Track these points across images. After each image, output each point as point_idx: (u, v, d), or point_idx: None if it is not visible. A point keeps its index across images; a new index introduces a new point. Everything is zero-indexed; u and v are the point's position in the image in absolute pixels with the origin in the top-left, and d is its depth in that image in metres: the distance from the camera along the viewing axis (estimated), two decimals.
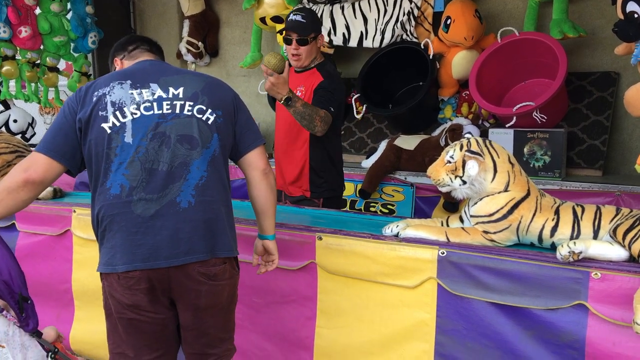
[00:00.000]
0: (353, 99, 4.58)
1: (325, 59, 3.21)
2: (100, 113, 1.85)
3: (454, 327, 2.12)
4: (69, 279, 3.15)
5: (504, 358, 2.02)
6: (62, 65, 5.69)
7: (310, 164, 3.17)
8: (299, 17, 3.01)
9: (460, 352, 2.11)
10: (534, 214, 2.09)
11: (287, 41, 3.06)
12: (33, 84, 5.45)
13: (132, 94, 1.88)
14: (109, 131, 1.84)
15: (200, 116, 1.91)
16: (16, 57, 5.22)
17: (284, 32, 3.07)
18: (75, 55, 5.56)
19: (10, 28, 4.96)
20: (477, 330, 2.07)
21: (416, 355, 2.20)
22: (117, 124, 1.84)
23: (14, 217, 3.34)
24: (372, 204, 4.32)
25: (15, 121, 5.70)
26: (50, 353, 2.20)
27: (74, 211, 3.11)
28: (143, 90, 1.89)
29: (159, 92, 1.90)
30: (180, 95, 1.91)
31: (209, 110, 1.93)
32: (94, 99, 1.87)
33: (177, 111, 1.89)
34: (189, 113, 1.90)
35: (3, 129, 5.57)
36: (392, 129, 4.72)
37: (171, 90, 1.91)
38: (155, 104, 1.88)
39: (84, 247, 3.08)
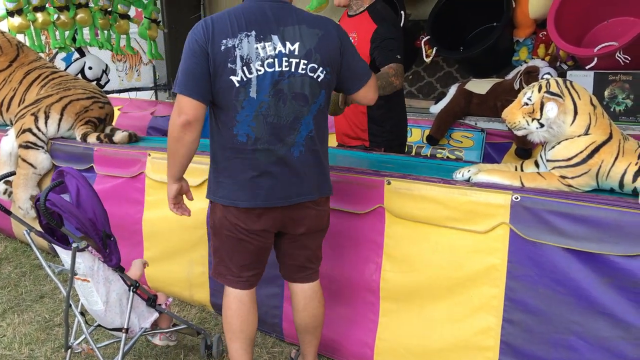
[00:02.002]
0: (422, 42, 4.45)
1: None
2: (229, 65, 1.99)
3: (526, 272, 2.08)
4: (140, 220, 3.29)
5: (577, 304, 1.98)
6: (132, 12, 5.79)
7: (368, 114, 3.12)
8: None
9: (531, 297, 2.07)
10: (615, 158, 2.00)
11: None
12: (106, 32, 5.58)
13: (257, 48, 2.01)
14: (237, 85, 2.01)
15: (312, 75, 2.07)
16: (89, 5, 5.34)
17: None
18: (145, 1, 5.64)
19: None
20: (550, 277, 2.03)
21: (485, 300, 2.18)
22: (245, 79, 2.01)
23: (93, 159, 3.49)
24: (439, 150, 4.24)
25: (90, 68, 5.87)
26: (132, 287, 2.33)
27: (149, 155, 3.21)
28: (266, 44, 2.02)
29: (279, 47, 2.02)
30: (296, 53, 2.04)
31: (320, 69, 2.08)
32: (222, 47, 1.99)
33: (293, 69, 2.04)
34: (303, 72, 2.05)
35: (79, 75, 5.76)
36: (463, 72, 4.58)
37: (288, 45, 2.04)
38: (276, 60, 2.02)
39: (156, 190, 3.20)
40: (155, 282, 3.27)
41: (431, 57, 4.41)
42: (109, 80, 6.06)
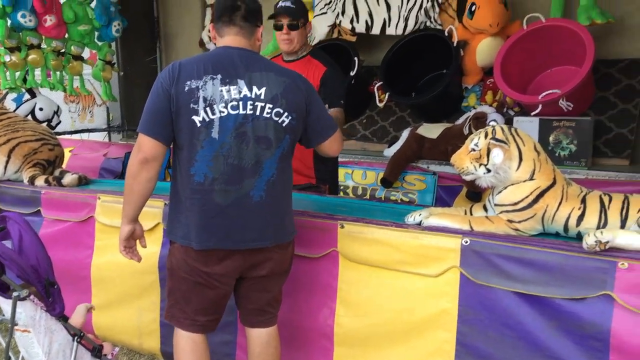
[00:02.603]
0: (375, 87, 4.55)
1: (313, 46, 3.28)
2: (192, 106, 2.02)
3: (476, 316, 2.10)
4: (89, 265, 3.19)
5: (526, 348, 2.00)
6: (86, 53, 5.75)
7: (314, 152, 3.19)
8: (288, 3, 3.10)
9: (481, 341, 2.09)
10: (559, 203, 2.06)
11: (278, 27, 3.12)
12: (58, 73, 5.51)
13: (221, 91, 2.04)
14: (198, 125, 2.03)
15: (277, 119, 2.09)
16: (41, 46, 5.28)
17: (274, 19, 3.13)
18: (100, 43, 5.62)
19: (36, 17, 5.02)
20: (500, 320, 2.05)
21: (438, 345, 2.19)
22: (207, 119, 2.03)
23: (40, 203, 3.39)
24: (392, 193, 4.30)
25: (41, 109, 5.75)
26: (76, 337, 2.24)
27: (99, 198, 3.15)
28: (231, 88, 2.05)
29: (245, 91, 2.06)
30: (262, 97, 2.07)
31: (285, 114, 2.10)
32: (186, 88, 2.02)
33: (258, 113, 2.07)
34: (268, 116, 2.08)
35: (29, 117, 5.64)
36: (414, 117, 4.68)
37: (255, 89, 2.07)
38: (240, 103, 2.05)
39: (107, 234, 3.12)
40: (103, 330, 3.16)
41: (384, 102, 4.51)
42: (60, 122, 5.95)
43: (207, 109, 2.02)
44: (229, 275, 2.15)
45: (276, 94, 2.09)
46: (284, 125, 2.11)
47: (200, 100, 2.02)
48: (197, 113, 2.02)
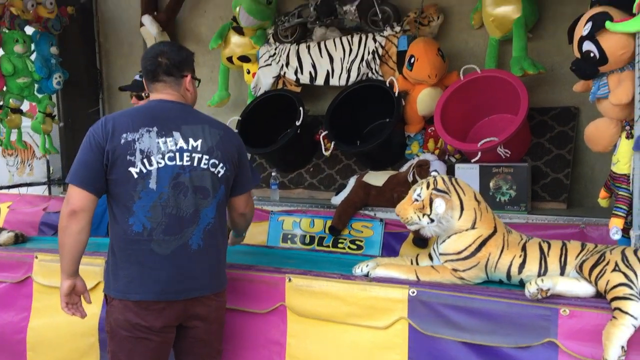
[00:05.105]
0: (321, 136, 4.60)
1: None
2: (128, 157, 2.07)
3: None
4: (25, 328, 3.04)
5: None
6: (25, 106, 5.60)
7: None
8: (137, 77, 3.32)
9: None
10: (501, 251, 2.11)
11: (139, 97, 3.31)
12: None
13: (158, 142, 2.09)
14: (135, 176, 2.07)
15: (213, 170, 2.17)
16: None
17: (132, 95, 3.37)
18: (40, 96, 5.49)
19: None
20: None
21: None
22: (144, 170, 2.07)
23: None
24: (340, 240, 4.30)
25: None
26: None
27: (36, 257, 3.04)
28: (167, 140, 2.11)
29: (181, 143, 2.13)
30: (198, 149, 2.15)
31: (220, 164, 2.19)
32: (122, 141, 2.07)
33: (195, 164, 2.13)
34: (205, 167, 2.15)
35: None
36: (360, 165, 4.74)
37: (191, 142, 2.14)
38: (177, 154, 2.11)
39: (45, 295, 3.00)
40: None
41: (330, 151, 4.55)
42: None
43: (145, 160, 2.07)
44: (170, 325, 2.15)
45: (211, 146, 2.17)
46: (219, 175, 2.18)
47: (137, 152, 2.07)
48: (134, 165, 2.07)
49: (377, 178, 4.22)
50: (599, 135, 2.46)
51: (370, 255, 3.40)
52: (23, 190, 6.06)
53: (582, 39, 2.35)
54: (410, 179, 3.95)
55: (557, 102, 4.09)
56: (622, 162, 2.35)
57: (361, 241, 4.21)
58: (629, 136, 2.31)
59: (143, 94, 3.21)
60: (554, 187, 3.87)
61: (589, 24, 2.30)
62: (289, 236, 4.29)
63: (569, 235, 3.09)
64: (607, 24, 2.22)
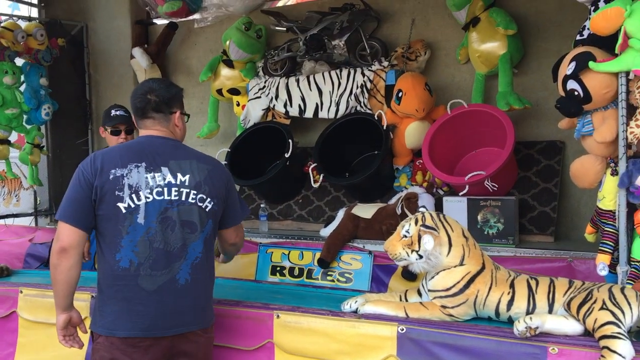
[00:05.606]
0: (310, 169, 4.62)
1: None
2: (116, 193, 2.08)
3: None
4: None
5: None
6: (14, 136, 5.58)
7: None
8: (121, 112, 3.48)
9: None
10: (490, 288, 2.11)
11: (116, 132, 3.45)
12: None
13: (146, 177, 2.11)
14: (124, 211, 2.08)
15: (200, 204, 2.18)
16: None
17: (108, 128, 3.47)
18: (28, 127, 5.47)
19: None
20: None
21: None
22: (132, 205, 2.08)
23: None
24: (329, 272, 4.29)
25: None
26: None
27: (21, 292, 3.00)
28: (156, 175, 2.13)
29: (169, 178, 2.14)
30: (186, 184, 2.16)
31: (208, 199, 2.19)
32: (111, 176, 2.09)
33: (183, 198, 2.15)
34: (192, 201, 2.16)
35: None
36: (349, 197, 4.75)
37: (179, 176, 2.15)
38: (165, 189, 2.13)
39: (31, 330, 2.95)
40: None
41: (319, 183, 4.57)
42: None
43: (133, 195, 2.09)
44: None
45: (199, 181, 2.19)
46: (207, 210, 2.20)
47: (126, 187, 2.08)
48: (122, 200, 2.08)
49: (365, 210, 4.22)
50: (585, 172, 2.50)
51: (358, 289, 3.39)
52: (9, 221, 6.00)
53: (567, 78, 2.40)
54: (398, 211, 3.96)
55: (543, 136, 4.15)
56: (607, 198, 2.38)
57: (350, 274, 4.20)
58: (614, 173, 2.34)
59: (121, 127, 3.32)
60: (541, 220, 3.90)
61: (573, 64, 2.36)
62: (278, 268, 4.27)
63: (556, 269, 3.10)
64: (591, 64, 2.27)
